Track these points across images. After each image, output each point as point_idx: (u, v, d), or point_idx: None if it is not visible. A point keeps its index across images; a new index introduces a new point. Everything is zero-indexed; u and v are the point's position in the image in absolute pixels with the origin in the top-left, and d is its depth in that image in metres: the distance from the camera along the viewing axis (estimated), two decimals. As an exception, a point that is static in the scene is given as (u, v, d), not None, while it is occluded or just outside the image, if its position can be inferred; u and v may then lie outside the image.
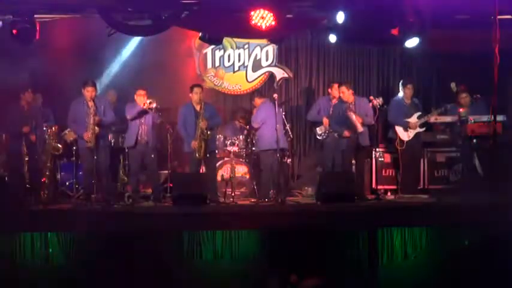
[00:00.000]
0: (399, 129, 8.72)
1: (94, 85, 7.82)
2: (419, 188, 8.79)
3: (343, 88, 8.29)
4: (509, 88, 8.16)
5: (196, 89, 8.18)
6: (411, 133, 8.70)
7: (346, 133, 8.19)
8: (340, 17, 7.38)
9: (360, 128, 8.13)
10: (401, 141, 8.69)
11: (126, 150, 8.44)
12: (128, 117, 8.12)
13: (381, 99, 8.22)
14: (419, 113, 8.73)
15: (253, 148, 8.97)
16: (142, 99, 8.04)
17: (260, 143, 8.57)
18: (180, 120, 8.26)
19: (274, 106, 8.35)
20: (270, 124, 8.30)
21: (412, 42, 7.66)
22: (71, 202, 8.15)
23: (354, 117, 8.14)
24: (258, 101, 8.96)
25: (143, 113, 8.05)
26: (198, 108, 8.10)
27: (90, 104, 7.69)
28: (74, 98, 8.01)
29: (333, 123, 8.51)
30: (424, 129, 8.74)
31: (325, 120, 8.82)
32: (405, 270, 7.04)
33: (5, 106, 8.22)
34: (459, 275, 6.02)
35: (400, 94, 8.91)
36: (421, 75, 9.82)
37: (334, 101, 8.78)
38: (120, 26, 7.95)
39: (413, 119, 8.68)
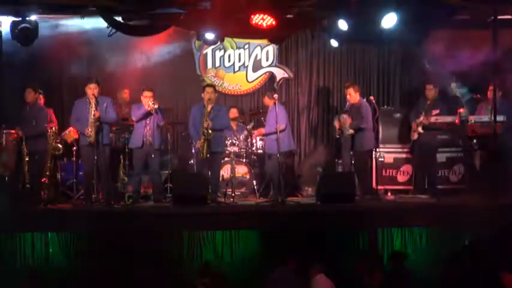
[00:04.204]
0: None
1: (97, 83, 7.80)
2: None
3: (351, 90, 8.33)
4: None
5: (207, 89, 8.11)
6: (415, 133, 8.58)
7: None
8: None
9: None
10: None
11: (127, 151, 8.42)
12: (134, 118, 8.10)
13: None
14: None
15: (256, 150, 8.94)
16: (147, 101, 7.98)
17: (283, 144, 8.34)
18: (190, 120, 8.25)
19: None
20: (288, 125, 8.51)
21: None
22: (71, 202, 8.14)
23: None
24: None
25: (148, 114, 8.03)
26: (208, 108, 8.00)
27: (92, 100, 7.71)
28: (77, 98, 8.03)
29: None
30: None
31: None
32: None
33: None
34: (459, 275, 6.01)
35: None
36: (421, 76, 9.79)
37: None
38: (120, 26, 7.96)
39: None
